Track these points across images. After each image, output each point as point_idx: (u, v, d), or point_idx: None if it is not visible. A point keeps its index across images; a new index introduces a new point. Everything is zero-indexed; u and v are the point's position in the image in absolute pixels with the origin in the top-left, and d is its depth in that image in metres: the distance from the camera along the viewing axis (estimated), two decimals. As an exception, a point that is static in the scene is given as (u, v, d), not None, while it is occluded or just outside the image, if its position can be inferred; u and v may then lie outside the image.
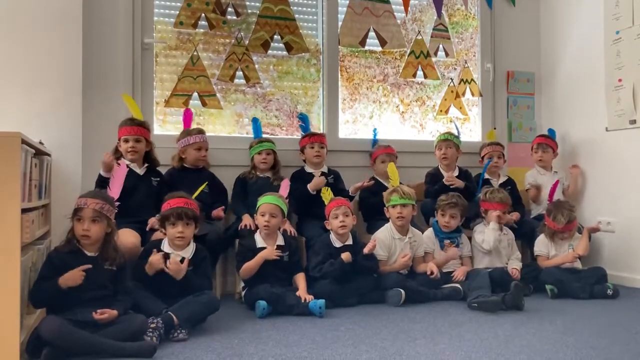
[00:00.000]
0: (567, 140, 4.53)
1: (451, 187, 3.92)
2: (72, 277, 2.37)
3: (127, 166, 3.24)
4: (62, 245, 2.50)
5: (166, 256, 2.79)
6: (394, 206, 3.54)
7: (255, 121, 4.06)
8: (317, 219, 3.59)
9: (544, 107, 4.86)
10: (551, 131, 4.53)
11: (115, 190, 2.85)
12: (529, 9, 4.87)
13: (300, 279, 3.22)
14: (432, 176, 4.12)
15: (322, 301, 2.99)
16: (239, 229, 3.49)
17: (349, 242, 3.41)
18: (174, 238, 2.84)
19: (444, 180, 3.96)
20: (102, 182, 3.11)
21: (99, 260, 2.50)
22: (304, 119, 4.17)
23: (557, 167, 4.42)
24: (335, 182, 3.93)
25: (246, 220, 3.51)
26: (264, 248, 3.23)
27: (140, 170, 3.38)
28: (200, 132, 3.69)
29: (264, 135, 4.05)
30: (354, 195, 3.91)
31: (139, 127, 3.38)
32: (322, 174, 3.92)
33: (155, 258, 2.75)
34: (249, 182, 3.77)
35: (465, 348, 2.41)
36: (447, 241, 3.65)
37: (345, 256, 3.24)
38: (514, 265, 3.62)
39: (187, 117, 3.88)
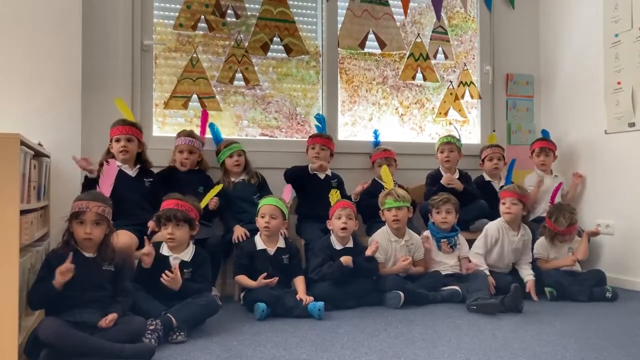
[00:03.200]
0: (566, 143, 4.53)
1: (448, 186, 3.93)
2: (61, 274, 2.31)
3: (118, 166, 3.25)
4: (60, 247, 2.49)
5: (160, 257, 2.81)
6: (389, 209, 3.54)
7: (212, 127, 3.97)
8: (317, 221, 3.59)
9: (543, 110, 4.86)
10: (545, 132, 4.54)
11: (105, 188, 2.83)
12: (528, 12, 4.88)
13: (300, 282, 3.22)
14: (432, 178, 4.12)
15: (321, 303, 2.99)
16: (234, 241, 3.40)
17: (350, 244, 3.40)
18: (166, 239, 2.85)
19: (441, 181, 3.97)
20: (90, 183, 3.09)
21: (97, 260, 2.49)
22: (320, 119, 4.18)
23: (556, 170, 4.42)
24: (339, 187, 3.91)
25: (238, 231, 3.44)
26: (263, 250, 3.24)
27: (132, 172, 3.36)
28: (188, 134, 3.68)
29: (258, 137, 4.05)
30: (357, 200, 3.89)
31: (131, 127, 3.36)
32: (326, 176, 3.93)
33: (145, 251, 2.76)
34: (227, 190, 3.67)
35: (464, 350, 2.41)
36: (443, 240, 3.65)
37: (345, 260, 3.24)
38: (529, 276, 3.55)
39: (204, 119, 3.93)
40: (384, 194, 3.62)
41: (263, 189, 3.76)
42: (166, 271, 2.71)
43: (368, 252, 3.32)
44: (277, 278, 3.11)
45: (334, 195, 3.53)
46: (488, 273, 3.49)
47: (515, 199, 3.62)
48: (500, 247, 3.63)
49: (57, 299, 2.35)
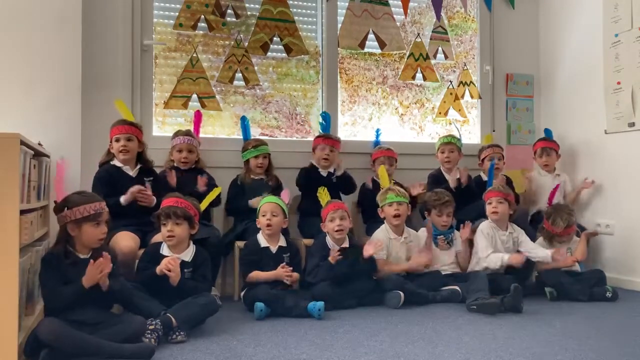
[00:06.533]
0: (566, 143, 4.52)
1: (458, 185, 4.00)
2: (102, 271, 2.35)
3: (119, 167, 3.28)
4: (56, 248, 2.45)
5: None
6: (390, 204, 3.55)
7: (243, 119, 4.05)
8: (319, 217, 3.58)
9: (543, 110, 4.86)
10: (548, 131, 4.54)
11: (59, 190, 2.63)
12: (528, 11, 4.88)
13: (294, 275, 3.20)
14: (434, 178, 4.12)
15: (321, 303, 2.98)
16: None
17: (346, 244, 3.40)
18: (165, 237, 2.85)
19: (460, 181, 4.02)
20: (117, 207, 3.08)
21: (92, 260, 2.47)
22: (326, 117, 4.18)
23: (557, 170, 4.42)
24: (339, 183, 3.94)
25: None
26: (266, 247, 3.25)
27: (133, 173, 3.36)
28: (186, 134, 3.68)
29: (258, 137, 4.05)
30: (343, 173, 3.94)
31: (131, 126, 3.36)
32: (329, 174, 3.94)
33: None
34: (245, 185, 3.77)
35: (463, 350, 2.41)
36: (440, 237, 3.67)
37: (332, 257, 3.24)
38: (545, 252, 3.52)
39: (197, 120, 3.91)
40: (384, 191, 3.64)
41: (277, 192, 3.75)
42: (166, 259, 2.70)
43: (368, 253, 3.29)
44: (297, 274, 3.17)
45: (323, 195, 3.53)
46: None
47: (500, 197, 3.65)
48: (494, 246, 3.63)
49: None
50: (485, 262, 3.56)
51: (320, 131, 4.15)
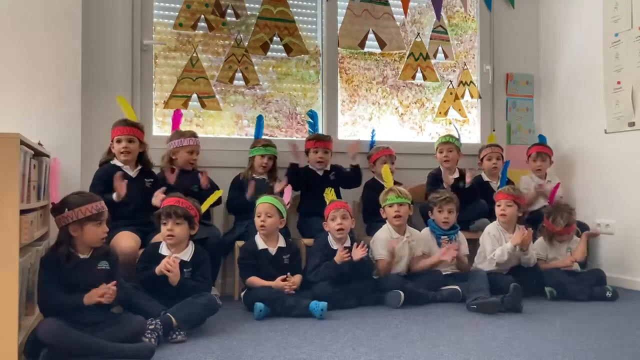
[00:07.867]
0: (566, 143, 4.53)
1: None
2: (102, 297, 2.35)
3: (119, 167, 3.28)
4: (58, 250, 2.42)
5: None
6: (390, 205, 3.55)
7: (259, 119, 4.05)
8: (319, 217, 3.59)
9: (543, 109, 4.86)
10: (542, 137, 4.55)
11: (54, 189, 2.65)
12: (528, 11, 4.87)
13: (295, 278, 3.19)
14: (434, 177, 4.12)
15: (324, 303, 2.98)
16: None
17: (347, 243, 3.40)
18: (165, 237, 2.85)
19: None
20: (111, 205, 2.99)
21: (92, 260, 2.47)
22: (313, 116, 4.18)
23: (555, 171, 4.42)
24: (337, 178, 3.96)
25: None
26: (265, 249, 3.24)
27: (133, 173, 3.36)
28: (194, 135, 3.68)
29: (265, 137, 4.05)
30: (358, 164, 3.99)
31: (132, 128, 3.35)
32: (325, 172, 3.96)
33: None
34: (245, 183, 3.78)
35: (464, 350, 2.41)
36: (444, 237, 3.66)
37: (339, 257, 3.23)
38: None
39: (177, 118, 3.86)
40: (385, 191, 3.64)
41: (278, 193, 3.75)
42: (165, 259, 2.70)
43: (358, 257, 3.24)
44: (300, 276, 3.18)
45: (329, 194, 3.53)
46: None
47: (509, 200, 3.64)
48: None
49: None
50: (494, 261, 3.54)
51: (310, 130, 4.15)
